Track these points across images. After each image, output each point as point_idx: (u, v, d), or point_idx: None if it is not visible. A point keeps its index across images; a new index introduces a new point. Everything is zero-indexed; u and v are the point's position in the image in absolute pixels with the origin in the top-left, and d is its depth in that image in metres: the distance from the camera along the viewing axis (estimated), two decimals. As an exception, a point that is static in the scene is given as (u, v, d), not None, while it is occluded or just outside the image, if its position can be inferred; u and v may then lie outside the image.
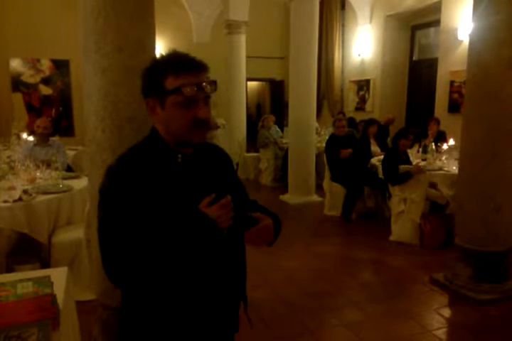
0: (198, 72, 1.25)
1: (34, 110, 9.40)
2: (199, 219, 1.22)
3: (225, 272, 1.40)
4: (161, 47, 9.59)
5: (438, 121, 6.61)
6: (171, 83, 1.23)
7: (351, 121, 8.33)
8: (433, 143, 5.57)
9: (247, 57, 9.70)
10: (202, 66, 1.27)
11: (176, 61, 1.25)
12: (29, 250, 3.49)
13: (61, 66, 9.51)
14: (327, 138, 6.43)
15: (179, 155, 1.32)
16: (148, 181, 1.24)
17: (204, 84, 1.24)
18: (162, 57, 1.28)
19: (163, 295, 1.30)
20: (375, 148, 6.77)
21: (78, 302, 2.14)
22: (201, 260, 1.29)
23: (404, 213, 4.90)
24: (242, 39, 9.46)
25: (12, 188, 3.44)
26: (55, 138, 5.38)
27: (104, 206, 1.26)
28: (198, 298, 1.33)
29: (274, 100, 12.86)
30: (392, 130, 7.00)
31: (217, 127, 9.30)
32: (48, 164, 4.10)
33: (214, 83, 1.27)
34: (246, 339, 2.82)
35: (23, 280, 1.67)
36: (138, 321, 1.36)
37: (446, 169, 5.08)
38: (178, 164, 1.32)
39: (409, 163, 5.14)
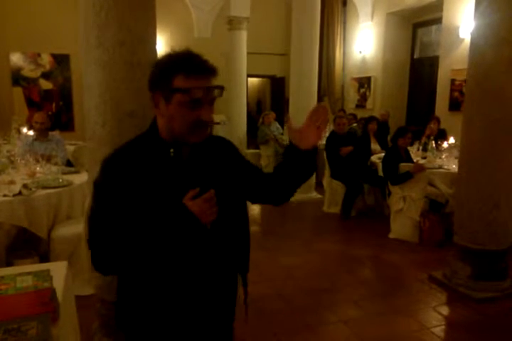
0: (207, 76, 1.28)
1: (34, 105, 9.38)
2: (181, 212, 1.23)
3: (212, 266, 1.40)
4: (161, 42, 9.58)
5: (438, 121, 6.61)
6: (180, 82, 1.25)
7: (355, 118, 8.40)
8: (433, 142, 5.58)
9: (248, 53, 9.69)
10: (212, 70, 1.29)
11: (189, 61, 1.26)
12: (28, 244, 3.48)
13: (61, 61, 9.48)
14: (327, 135, 6.42)
15: (171, 150, 1.33)
16: (138, 174, 1.28)
17: (212, 89, 1.28)
18: (175, 53, 1.29)
19: (154, 285, 1.34)
20: (375, 145, 6.78)
21: (77, 297, 2.13)
22: (184, 253, 1.31)
23: (404, 211, 4.91)
24: (243, 35, 9.45)
25: (12, 182, 3.44)
26: (55, 133, 5.37)
27: (95, 197, 1.32)
28: (187, 291, 1.36)
29: (275, 97, 12.84)
30: (393, 127, 7.01)
31: (215, 123, 9.32)
32: (48, 159, 4.09)
33: (222, 88, 1.31)
34: (245, 336, 2.84)
35: (22, 274, 1.67)
36: (132, 312, 1.40)
37: (446, 167, 5.08)
38: (170, 158, 1.33)
39: (411, 161, 5.14)
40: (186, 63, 1.26)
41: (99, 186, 1.31)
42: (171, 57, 1.29)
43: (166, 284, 1.34)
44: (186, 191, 1.25)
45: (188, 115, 1.26)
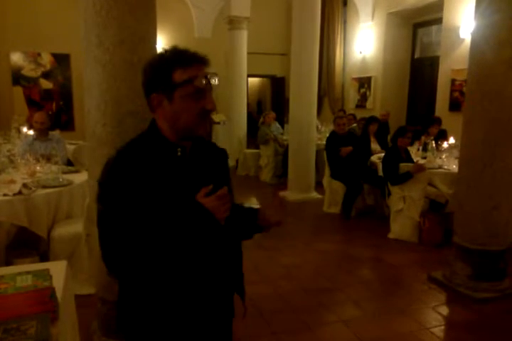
0: (203, 65, 1.30)
1: (34, 104, 9.38)
2: (196, 209, 1.24)
3: (221, 263, 1.42)
4: (162, 42, 9.59)
5: (440, 123, 6.61)
6: (179, 76, 1.26)
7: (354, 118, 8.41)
8: (433, 142, 5.58)
9: (249, 53, 9.68)
10: (206, 59, 1.31)
11: (182, 55, 1.28)
12: (28, 244, 3.49)
13: (62, 60, 9.49)
14: (327, 135, 6.43)
15: (178, 149, 1.34)
16: (147, 174, 1.26)
17: (210, 76, 1.29)
18: (165, 52, 1.30)
19: (160, 285, 1.32)
20: (375, 145, 6.78)
21: (77, 296, 2.14)
22: (199, 250, 1.31)
23: (404, 211, 4.91)
24: (243, 35, 9.43)
25: (12, 182, 3.44)
26: (55, 133, 5.37)
27: (104, 198, 1.28)
28: (195, 288, 1.36)
29: (275, 97, 12.84)
30: (393, 127, 7.01)
31: (214, 123, 9.41)
32: (48, 158, 4.09)
33: (217, 75, 1.32)
34: (245, 335, 2.84)
35: (22, 273, 1.67)
36: (135, 313, 1.38)
37: (446, 167, 5.08)
38: (177, 157, 1.34)
39: (411, 161, 5.14)
40: (180, 57, 1.28)
41: (108, 187, 1.27)
42: (162, 56, 1.30)
43: (175, 283, 1.33)
44: (195, 189, 1.27)
45: (194, 107, 1.28)
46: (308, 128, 6.72)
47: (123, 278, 1.34)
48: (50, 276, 1.66)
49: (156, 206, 1.25)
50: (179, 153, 1.34)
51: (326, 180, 6.16)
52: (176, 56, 1.28)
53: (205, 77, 1.27)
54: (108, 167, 1.30)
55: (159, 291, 1.33)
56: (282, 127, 8.86)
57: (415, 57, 9.27)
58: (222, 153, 1.56)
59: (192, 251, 1.28)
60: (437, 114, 7.57)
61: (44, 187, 3.49)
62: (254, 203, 1.54)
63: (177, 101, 1.27)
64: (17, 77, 9.25)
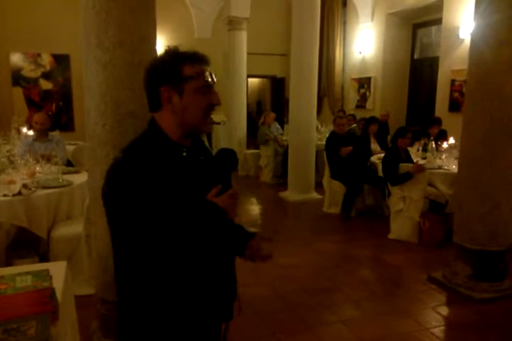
0: (206, 63, 1.37)
1: (34, 105, 9.38)
2: (211, 208, 1.27)
3: (223, 264, 1.44)
4: (162, 43, 9.59)
5: (440, 123, 6.61)
6: (189, 70, 1.31)
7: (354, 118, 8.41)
8: (433, 142, 5.58)
9: (248, 53, 9.69)
10: (207, 59, 1.38)
11: (191, 52, 1.35)
12: (28, 244, 3.49)
13: (62, 61, 9.49)
14: (327, 135, 6.43)
15: (184, 149, 1.37)
16: (157, 174, 1.25)
17: (213, 74, 1.36)
18: (172, 49, 1.35)
19: (164, 286, 1.31)
20: (374, 146, 6.78)
21: (76, 297, 2.13)
22: (209, 248, 1.33)
23: (404, 211, 4.91)
24: (243, 35, 9.45)
25: (12, 182, 3.43)
26: (55, 133, 5.37)
27: (118, 199, 1.24)
28: (198, 290, 1.36)
29: (275, 97, 12.84)
30: (393, 128, 7.01)
31: (214, 123, 9.43)
32: (48, 158, 4.09)
33: (215, 74, 1.39)
34: (245, 336, 2.84)
35: (22, 274, 1.67)
36: (137, 314, 1.37)
37: (445, 168, 5.08)
38: (183, 158, 1.36)
39: (411, 161, 5.14)
40: (188, 54, 1.34)
41: (121, 187, 1.23)
42: (172, 52, 1.34)
43: (179, 284, 1.32)
44: (203, 188, 1.31)
45: (202, 101, 1.32)
46: (308, 129, 6.72)
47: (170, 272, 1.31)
48: (50, 277, 1.66)
49: (170, 205, 1.25)
50: (185, 154, 1.36)
51: (326, 180, 6.16)
52: (183, 53, 1.33)
53: (210, 74, 1.34)
54: (117, 167, 1.28)
55: (162, 292, 1.32)
56: (282, 127, 8.86)
57: (415, 57, 9.27)
58: (230, 155, 1.51)
59: (203, 249, 1.30)
60: (437, 114, 7.57)
61: (44, 187, 3.49)
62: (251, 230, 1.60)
63: (187, 95, 1.31)
64: (17, 78, 9.25)
